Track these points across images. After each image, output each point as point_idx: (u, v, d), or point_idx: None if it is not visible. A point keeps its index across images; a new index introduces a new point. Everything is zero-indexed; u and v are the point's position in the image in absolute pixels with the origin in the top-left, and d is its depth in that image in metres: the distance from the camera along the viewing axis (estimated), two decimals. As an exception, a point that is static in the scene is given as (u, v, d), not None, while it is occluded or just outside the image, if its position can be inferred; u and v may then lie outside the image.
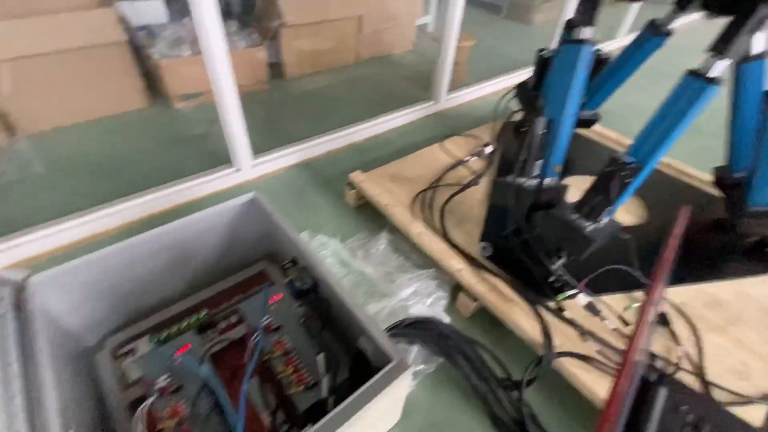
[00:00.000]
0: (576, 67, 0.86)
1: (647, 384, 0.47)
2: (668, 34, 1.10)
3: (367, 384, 0.58)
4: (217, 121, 1.29)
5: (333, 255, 1.08)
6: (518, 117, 1.60)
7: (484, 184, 1.30)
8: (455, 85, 2.04)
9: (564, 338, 0.86)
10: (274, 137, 1.59)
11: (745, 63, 0.97)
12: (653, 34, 1.11)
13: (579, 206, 0.84)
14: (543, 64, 1.30)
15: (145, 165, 1.48)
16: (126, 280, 0.85)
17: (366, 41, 2.35)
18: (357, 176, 1.27)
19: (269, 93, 2.01)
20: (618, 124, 1.68)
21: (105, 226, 1.22)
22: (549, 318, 0.88)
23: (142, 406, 0.61)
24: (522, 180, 0.92)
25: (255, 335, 0.71)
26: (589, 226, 0.82)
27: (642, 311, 0.32)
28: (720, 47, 0.70)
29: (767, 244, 1.07)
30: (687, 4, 1.02)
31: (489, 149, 1.42)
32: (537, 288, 0.93)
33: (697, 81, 0.72)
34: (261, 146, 1.47)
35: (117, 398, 0.75)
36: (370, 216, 1.28)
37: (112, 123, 1.71)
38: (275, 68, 2.13)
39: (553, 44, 2.27)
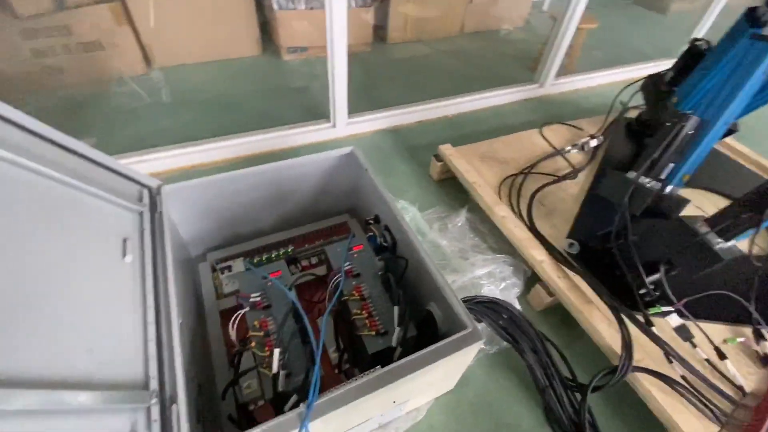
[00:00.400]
0: (757, 67, 0.75)
1: None
2: None
3: (439, 344, 0.60)
4: (319, 76, 1.34)
5: (411, 221, 1.10)
6: (634, 114, 1.45)
7: (582, 179, 1.21)
8: (567, 70, 1.88)
9: (644, 354, 0.80)
10: (368, 99, 1.62)
11: None
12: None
13: (714, 220, 0.75)
14: (694, 56, 1.14)
15: (251, 108, 1.60)
16: (231, 205, 0.94)
17: (474, 13, 2.24)
18: (447, 149, 1.26)
19: (370, 55, 2.03)
20: (758, 144, 1.45)
21: (212, 157, 1.35)
22: (632, 330, 0.82)
23: (238, 313, 0.70)
24: (645, 180, 0.84)
25: (337, 276, 0.76)
26: (719, 244, 0.73)
27: None
28: None
29: None
30: None
31: (594, 143, 1.31)
32: (625, 296, 0.87)
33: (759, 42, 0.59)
34: (355, 106, 1.51)
35: (212, 304, 0.86)
36: (451, 192, 1.27)
37: (228, 66, 1.86)
38: (379, 31, 2.14)
39: (694, 36, 1.99)
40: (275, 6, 1.80)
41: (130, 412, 0.48)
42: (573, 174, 1.21)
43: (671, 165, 0.81)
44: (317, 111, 1.55)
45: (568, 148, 1.31)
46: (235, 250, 0.98)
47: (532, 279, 1.00)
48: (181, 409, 0.50)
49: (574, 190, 1.18)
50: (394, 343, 0.66)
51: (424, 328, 0.75)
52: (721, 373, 0.78)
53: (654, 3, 2.94)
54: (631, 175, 0.84)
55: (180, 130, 1.44)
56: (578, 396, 0.78)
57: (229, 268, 0.92)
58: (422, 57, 2.08)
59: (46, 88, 1.58)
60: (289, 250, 0.96)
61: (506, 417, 0.80)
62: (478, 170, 1.20)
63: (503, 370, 0.86)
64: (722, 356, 0.80)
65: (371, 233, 0.90)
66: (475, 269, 0.97)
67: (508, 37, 2.34)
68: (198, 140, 1.34)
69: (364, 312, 0.71)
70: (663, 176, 0.83)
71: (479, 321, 0.83)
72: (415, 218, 1.11)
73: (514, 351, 0.85)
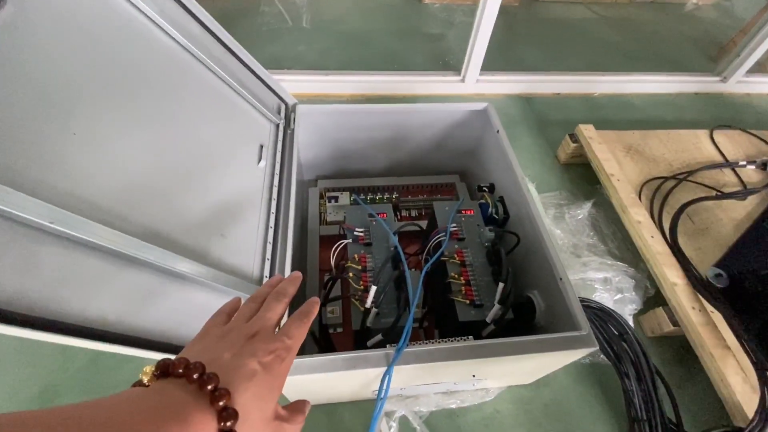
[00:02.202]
0: None
1: None
2: None
3: (546, 336, 0.54)
4: (456, 25, 1.24)
5: (527, 200, 1.00)
6: None
7: (752, 202, 0.98)
8: (761, 68, 1.50)
9: (782, 429, 0.65)
10: (503, 59, 1.47)
11: None
12: None
13: None
14: None
15: (382, 47, 1.56)
16: (349, 139, 0.95)
17: (658, -23, 1.86)
18: (588, 130, 1.10)
19: (518, 9, 1.83)
20: None
21: (336, 89, 1.37)
22: (776, 397, 0.67)
23: (341, 242, 0.71)
24: None
25: (441, 234, 0.72)
26: None
27: None
28: None
29: None
30: None
31: (782, 163, 1.04)
32: (775, 355, 0.70)
33: None
34: (488, 64, 1.39)
35: (315, 227, 0.89)
36: (578, 179, 1.13)
37: (368, 1, 1.82)
38: (533, -16, 1.90)
39: None
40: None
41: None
42: (742, 195, 0.98)
43: None
44: (447, 62, 1.46)
45: (744, 162, 1.06)
46: (343, 183, 0.99)
47: (651, 299, 0.87)
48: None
49: (739, 213, 0.96)
50: (488, 319, 0.62)
51: (519, 314, 0.69)
52: None
53: None
54: None
55: (312, 57, 1.48)
56: (678, 443, 0.68)
57: (336, 198, 0.94)
58: (578, 21, 1.81)
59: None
60: (394, 196, 0.95)
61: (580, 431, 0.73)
62: (619, 162, 1.04)
63: (592, 385, 0.78)
64: None
65: (483, 201, 0.83)
66: (588, 270, 0.86)
67: (693, 12, 1.92)
68: (327, 70, 1.35)
69: (461, 278, 0.68)
70: None
71: (582, 326, 0.75)
72: (534, 197, 1.01)
73: (610, 369, 0.75)
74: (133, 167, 0.39)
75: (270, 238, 0.59)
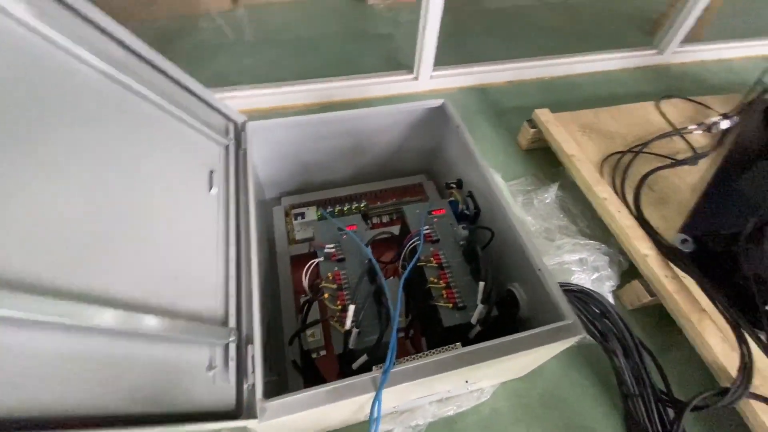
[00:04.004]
0: None
1: None
2: None
3: (534, 331, 0.53)
4: (403, 24, 1.23)
5: (495, 191, 1.00)
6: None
7: (704, 166, 1.02)
8: (694, 37, 1.58)
9: (763, 380, 0.67)
10: (457, 51, 1.48)
11: None
12: None
13: None
14: None
15: (331, 53, 1.53)
16: (309, 151, 0.91)
17: (589, -40, 1.93)
18: (543, 114, 1.11)
19: (464, 4, 1.84)
20: None
21: (289, 100, 1.32)
22: (754, 350, 0.69)
23: (312, 261, 0.67)
24: None
25: (415, 238, 0.70)
26: None
27: None
28: None
29: None
30: None
31: (726, 124, 1.09)
32: (747, 311, 0.73)
33: None
34: (441, 59, 1.38)
35: (284, 248, 0.85)
36: (541, 164, 1.14)
37: (312, 7, 1.78)
38: (475, -24, 1.93)
39: None
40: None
41: (209, 346, 0.48)
42: (693, 159, 1.02)
43: None
44: (399, 61, 1.45)
45: (692, 127, 1.10)
46: (308, 197, 0.95)
47: (627, 273, 0.88)
48: (257, 350, 0.49)
49: (693, 178, 1.00)
50: (473, 321, 0.60)
51: (502, 310, 0.68)
52: None
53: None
54: None
55: (261, 70, 1.42)
56: (670, 412, 0.69)
57: (302, 215, 0.90)
58: (522, 8, 1.85)
59: (135, 18, 1.62)
60: (362, 205, 0.92)
61: (579, 417, 0.73)
62: (578, 142, 1.05)
63: (581, 368, 0.78)
64: None
65: (452, 198, 0.82)
66: (563, 253, 0.87)
67: (625, -9, 2.01)
68: (277, 81, 1.31)
69: (441, 282, 0.66)
70: None
71: (565, 311, 0.75)
72: (500, 187, 1.01)
73: (597, 348, 0.76)
74: (58, 222, 0.34)
75: (232, 272, 0.55)
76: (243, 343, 0.51)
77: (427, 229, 0.73)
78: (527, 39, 1.64)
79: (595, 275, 0.84)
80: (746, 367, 0.66)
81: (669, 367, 0.76)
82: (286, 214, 0.91)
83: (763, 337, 0.70)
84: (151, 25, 1.60)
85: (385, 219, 0.94)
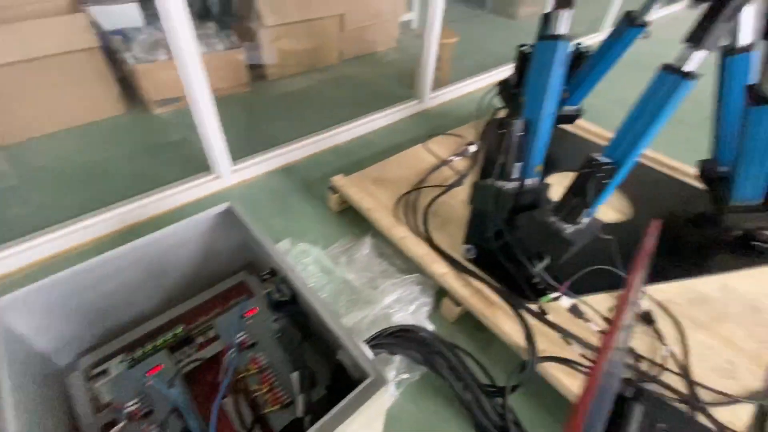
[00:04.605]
0: (552, 64, 0.85)
1: (624, 400, 0.46)
2: (644, 25, 1.09)
3: (342, 402, 0.56)
4: (196, 126, 1.26)
5: (315, 263, 1.06)
6: (502, 114, 1.59)
7: (468, 184, 1.28)
8: (440, 83, 2.02)
9: (548, 342, 0.85)
10: (255, 141, 1.56)
11: (730, 55, 0.96)
12: (629, 25, 1.10)
13: (558, 209, 0.82)
14: (523, 60, 1.28)
15: (122, 174, 1.44)
16: (98, 297, 0.82)
17: (349, 39, 2.31)
18: (339, 180, 1.25)
19: (250, 95, 1.97)
20: (603, 119, 1.67)
21: (80, 239, 1.18)
22: (533, 321, 0.87)
23: (113, 430, 0.59)
24: (501, 183, 0.90)
25: (229, 353, 0.68)
26: (569, 228, 0.80)
27: (611, 329, 0.30)
28: (696, 37, 0.68)
29: (752, 237, 1.07)
30: None
31: (473, 148, 1.41)
32: (520, 291, 0.92)
33: (671, 76, 0.70)
34: (242, 151, 1.44)
35: (89, 422, 0.72)
36: (354, 220, 1.26)
37: (88, 132, 1.66)
38: (257, 70, 2.09)
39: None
40: (131, 60, 1.66)
41: None
42: (459, 181, 1.28)
43: (519, 164, 0.89)
44: (200, 163, 1.45)
45: (451, 157, 1.38)
46: (113, 347, 0.84)
47: (441, 292, 1.02)
48: None
49: (463, 196, 1.24)
50: (299, 413, 0.61)
51: (339, 379, 0.70)
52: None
53: (505, 10, 3.32)
54: (490, 181, 0.91)
55: (36, 217, 1.24)
56: (501, 400, 0.80)
57: (105, 371, 0.78)
58: (306, 89, 2.08)
59: None
60: (179, 331, 0.85)
61: (441, 443, 0.79)
62: (372, 195, 1.21)
63: (430, 396, 0.85)
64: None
65: (267, 290, 0.83)
66: (385, 297, 0.96)
67: (384, 58, 2.45)
68: (58, 223, 1.16)
69: (265, 386, 0.65)
70: (516, 176, 0.90)
71: (393, 353, 0.82)
72: (319, 258, 1.07)
73: (433, 373, 0.84)
74: None
75: None
76: None
77: (242, 335, 0.72)
78: (318, 114, 1.85)
79: (413, 306, 0.95)
80: (529, 337, 0.83)
81: (492, 360, 0.89)
82: (88, 378, 0.78)
83: (534, 307, 0.89)
84: None
85: (212, 334, 0.89)
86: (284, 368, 0.67)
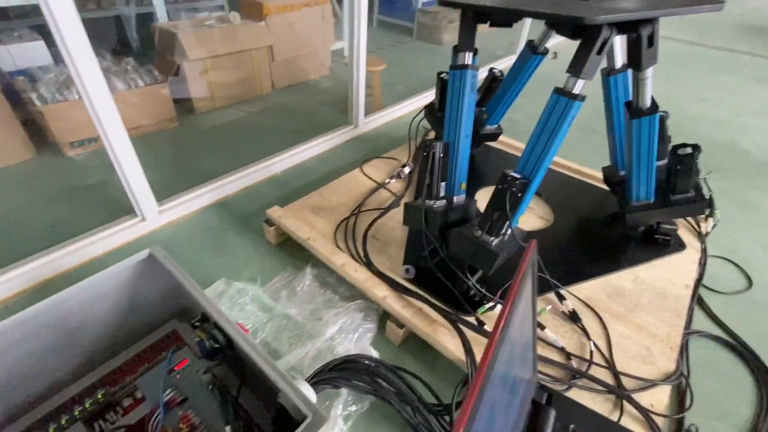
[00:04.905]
0: (463, 91, 0.91)
1: (538, 406, 0.49)
2: (544, 53, 1.22)
3: (279, 451, 0.54)
4: (113, 166, 1.18)
5: (253, 301, 1.02)
6: (431, 136, 1.67)
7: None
8: (373, 108, 2.08)
9: (489, 351, 0.88)
10: (186, 177, 1.49)
11: (609, 76, 1.10)
12: (532, 53, 1.22)
13: (481, 223, 0.87)
14: (443, 85, 1.37)
15: (33, 225, 1.31)
16: (6, 366, 0.72)
17: (280, 69, 2.32)
18: (275, 212, 1.23)
19: (178, 130, 1.90)
20: (524, 134, 1.82)
21: (-20, 303, 1.04)
22: (472, 334, 0.90)
23: None
24: (430, 202, 0.94)
25: (155, 416, 0.63)
26: (494, 240, 0.85)
27: (493, 336, 0.33)
28: (575, 69, 0.77)
29: (655, 231, 1.20)
30: (554, 28, 1.15)
31: (407, 170, 1.46)
32: (459, 305, 0.95)
33: (563, 98, 0.79)
34: (171, 189, 1.38)
35: None
36: (294, 251, 1.24)
37: (-7, 180, 1.50)
38: (185, 103, 2.03)
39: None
40: (38, 102, 1.54)
41: None
42: (396, 203, 1.31)
43: (443, 183, 0.95)
44: (123, 206, 1.35)
45: (387, 180, 1.42)
46: (24, 422, 0.74)
47: (386, 315, 1.02)
48: None
49: (401, 216, 1.26)
50: (236, 468, 0.57)
51: (283, 421, 0.68)
52: (544, 341, 0.91)
53: (431, 36, 3.53)
54: (419, 201, 0.95)
55: None
56: (449, 418, 0.81)
57: (10, 457, 0.69)
58: (238, 120, 2.04)
59: None
60: (100, 396, 0.77)
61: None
62: (310, 224, 1.20)
63: (381, 424, 0.84)
64: (541, 327, 0.93)
65: (199, 338, 0.79)
66: (328, 328, 0.94)
67: (317, 86, 2.49)
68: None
69: (197, 443, 0.61)
70: (443, 194, 0.95)
71: (337, 387, 0.80)
72: (257, 296, 1.03)
73: (381, 401, 0.83)
74: None
75: None
76: None
77: (171, 392, 0.67)
78: (252, 145, 1.81)
79: (356, 334, 0.94)
80: (469, 350, 0.85)
81: (440, 377, 0.90)
82: (-13, 468, 0.68)
83: (472, 319, 0.92)
84: None
85: (140, 394, 0.82)
86: (218, 422, 0.63)
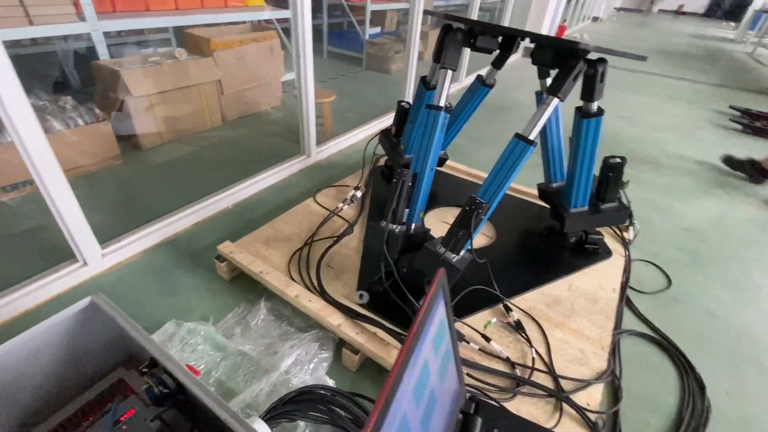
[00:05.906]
0: (436, 129, 1.03)
1: (467, 416, 0.54)
2: (491, 85, 1.36)
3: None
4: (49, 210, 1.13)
5: (205, 341, 1.01)
6: (383, 162, 1.74)
7: (358, 231, 1.36)
8: (325, 137, 2.14)
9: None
10: (131, 217, 1.45)
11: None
12: (481, 85, 1.36)
13: (446, 241, 0.95)
14: (402, 113, 1.48)
15: (-44, 279, 1.21)
16: None
17: (230, 102, 2.34)
18: (226, 247, 1.23)
19: (123, 168, 1.84)
20: (466, 156, 1.95)
21: None
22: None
23: None
24: (393, 226, 1.02)
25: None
26: (455, 257, 0.93)
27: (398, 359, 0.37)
28: (553, 90, 0.94)
29: (585, 242, 1.32)
30: (501, 64, 1.29)
31: (359, 194, 1.50)
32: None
33: (521, 143, 0.94)
34: (116, 229, 1.33)
35: None
36: (248, 286, 1.23)
37: None
38: (130, 140, 1.98)
39: (408, 92, 2.56)
40: (-38, 145, 1.45)
41: None
42: (350, 229, 1.35)
43: (407, 210, 1.03)
44: (64, 252, 1.29)
45: (340, 205, 1.46)
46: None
47: (341, 343, 1.04)
48: None
49: (355, 243, 1.31)
50: None
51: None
52: (491, 354, 0.97)
53: (379, 66, 3.70)
54: (383, 224, 1.01)
55: None
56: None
57: None
58: (187, 155, 2.02)
59: None
60: (36, 459, 0.73)
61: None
62: (263, 257, 1.21)
63: (340, 452, 0.85)
64: (487, 339, 0.99)
65: (146, 385, 0.77)
66: (283, 361, 0.95)
67: (269, 117, 2.52)
68: None
69: (145, 496, 0.59)
70: (405, 220, 1.03)
71: (293, 420, 0.81)
72: (209, 335, 1.02)
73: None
74: None
75: None
76: None
77: (116, 445, 0.65)
78: (203, 179, 1.80)
79: (312, 364, 0.95)
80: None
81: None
82: None
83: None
84: None
85: (83, 451, 0.78)
86: (169, 470, 0.62)
